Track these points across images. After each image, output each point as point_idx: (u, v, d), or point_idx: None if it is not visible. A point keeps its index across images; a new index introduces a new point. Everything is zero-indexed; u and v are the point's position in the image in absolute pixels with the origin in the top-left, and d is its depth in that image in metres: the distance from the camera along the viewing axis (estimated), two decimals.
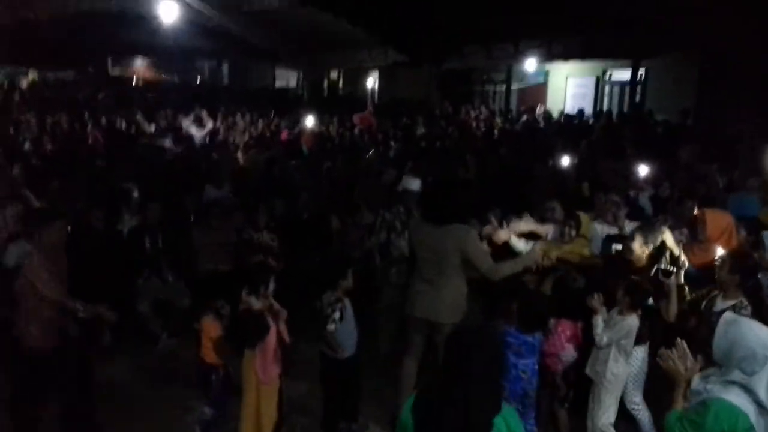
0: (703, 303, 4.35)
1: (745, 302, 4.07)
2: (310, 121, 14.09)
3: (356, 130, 14.21)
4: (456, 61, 15.75)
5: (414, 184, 6.21)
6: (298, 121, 15.15)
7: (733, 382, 2.86)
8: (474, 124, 15.61)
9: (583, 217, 5.41)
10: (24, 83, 24.48)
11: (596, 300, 4.48)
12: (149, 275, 6.53)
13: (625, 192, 6.99)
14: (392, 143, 12.49)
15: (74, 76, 27.45)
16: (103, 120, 13.70)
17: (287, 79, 28.42)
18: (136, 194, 7.13)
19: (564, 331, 4.66)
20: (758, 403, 2.83)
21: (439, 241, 4.65)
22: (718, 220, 4.87)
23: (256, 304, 4.51)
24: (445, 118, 16.27)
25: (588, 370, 4.61)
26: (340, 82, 27.70)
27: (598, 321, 4.47)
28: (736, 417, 2.80)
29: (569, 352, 4.67)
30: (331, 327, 4.67)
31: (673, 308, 4.52)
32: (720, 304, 4.19)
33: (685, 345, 3.11)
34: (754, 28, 10.23)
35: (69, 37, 20.37)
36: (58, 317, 4.45)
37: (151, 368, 6.06)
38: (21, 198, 6.38)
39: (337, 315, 4.67)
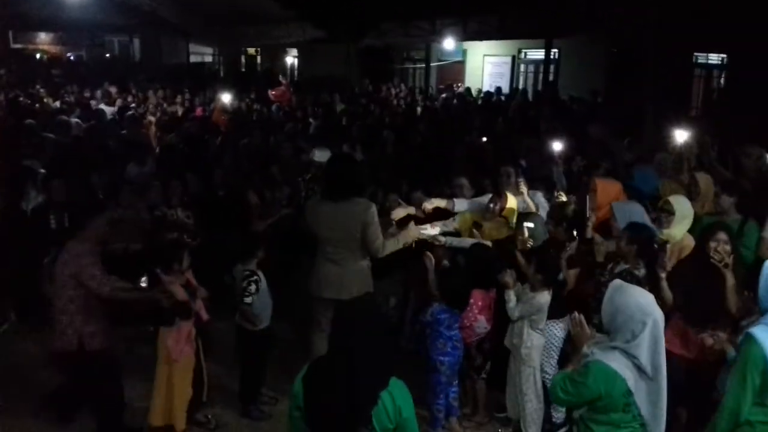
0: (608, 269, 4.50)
1: (640, 269, 4.24)
2: (225, 98, 13.83)
3: (273, 107, 14.06)
4: (374, 38, 15.81)
5: (323, 156, 6.26)
6: (213, 97, 14.86)
7: (615, 348, 3.03)
8: (395, 101, 15.79)
9: (511, 198, 5.54)
10: None
11: (508, 275, 4.62)
12: (55, 256, 6.29)
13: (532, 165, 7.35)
14: (311, 120, 12.49)
15: None
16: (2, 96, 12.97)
17: (203, 55, 27.67)
18: (41, 171, 6.86)
19: (476, 302, 4.82)
20: (639, 368, 2.98)
21: (343, 217, 4.57)
22: (607, 189, 5.16)
23: (172, 281, 4.48)
24: (365, 95, 16.35)
25: (506, 342, 4.78)
26: (258, 59, 27.25)
27: (510, 296, 4.61)
28: (614, 380, 2.97)
29: (482, 323, 4.84)
30: (247, 300, 4.72)
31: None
32: (617, 270, 4.36)
33: (581, 314, 3.28)
34: (655, 12, 10.82)
35: None
36: None
37: None
38: None
39: (252, 288, 4.73)
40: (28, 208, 6.54)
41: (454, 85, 19.15)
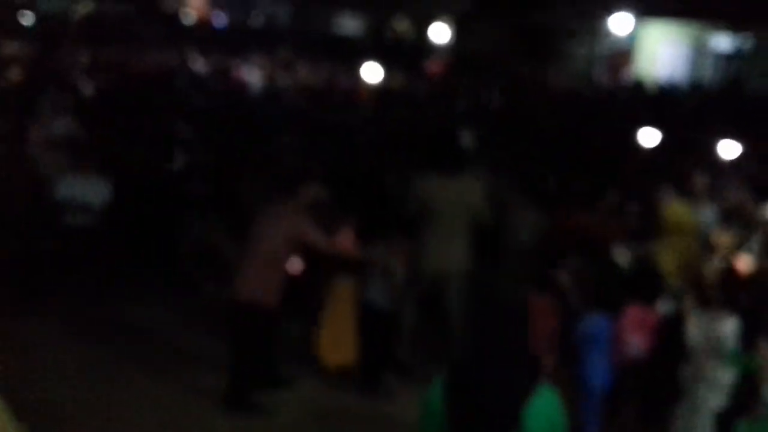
0: None
1: None
2: (372, 71, 13.58)
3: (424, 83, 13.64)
4: (538, 14, 14.90)
5: None
6: (359, 70, 14.71)
7: None
8: (555, 86, 14.85)
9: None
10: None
11: (688, 299, 4.21)
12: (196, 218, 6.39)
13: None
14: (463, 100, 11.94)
15: (125, 9, 27.44)
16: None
17: (350, 25, 27.82)
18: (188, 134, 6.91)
19: (631, 316, 4.35)
20: None
21: (456, 194, 4.56)
22: None
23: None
24: (523, 78, 15.52)
25: (678, 374, 4.21)
26: (408, 31, 27.00)
27: (691, 319, 4.14)
28: None
29: (634, 345, 4.34)
30: None
31: None
32: None
33: None
34: None
35: None
36: None
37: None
38: None
39: None
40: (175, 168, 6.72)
41: (624, 74, 17.76)
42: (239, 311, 4.54)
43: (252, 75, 13.39)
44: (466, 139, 5.63)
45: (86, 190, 5.82)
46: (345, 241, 4.99)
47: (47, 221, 5.87)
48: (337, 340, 5.02)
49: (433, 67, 14.63)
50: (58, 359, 4.89)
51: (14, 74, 10.40)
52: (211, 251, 6.32)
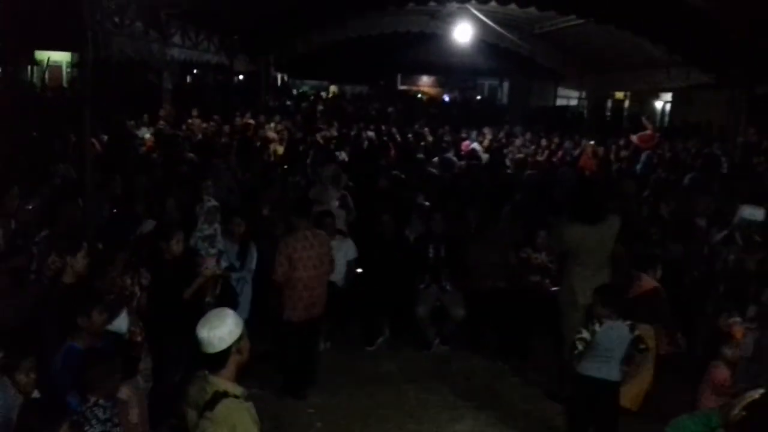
0: None
1: None
2: (590, 143, 13.71)
3: (643, 154, 13.35)
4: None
5: (758, 214, 6.42)
6: (578, 141, 14.87)
7: None
8: None
9: None
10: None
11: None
12: (429, 282, 6.92)
13: None
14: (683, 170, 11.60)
15: (367, 91, 30.43)
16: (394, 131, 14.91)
17: (568, 99, 27.99)
18: (425, 204, 7.65)
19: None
20: None
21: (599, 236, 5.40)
22: None
23: None
24: (750, 146, 14.56)
25: None
26: (626, 103, 26.44)
27: None
28: None
29: None
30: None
31: None
32: None
33: None
34: None
35: (366, 55, 22.76)
36: None
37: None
38: None
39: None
40: (411, 236, 7.33)
41: None
42: None
43: (477, 143, 14.26)
44: None
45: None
46: None
47: None
48: None
49: (643, 138, 14.31)
50: None
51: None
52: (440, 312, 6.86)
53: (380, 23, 17.80)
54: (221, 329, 2.85)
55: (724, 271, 6.16)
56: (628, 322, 4.55)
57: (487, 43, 18.88)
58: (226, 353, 2.86)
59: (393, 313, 6.98)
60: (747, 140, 15.21)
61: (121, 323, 4.37)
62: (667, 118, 23.38)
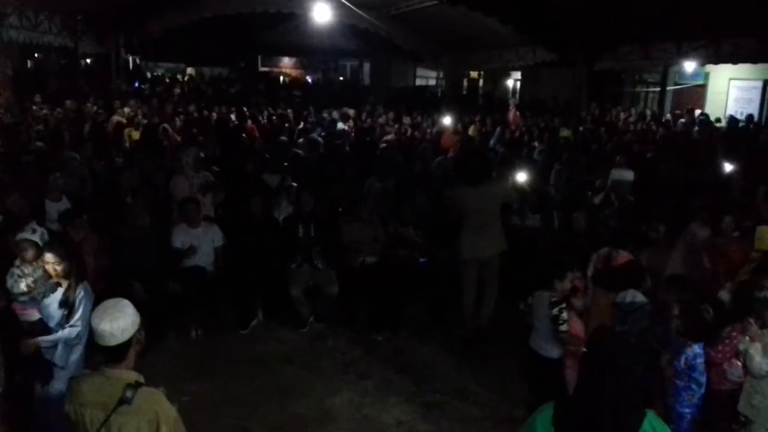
0: None
1: None
2: (448, 121, 14.19)
3: (497, 129, 14.04)
4: (609, 61, 15.18)
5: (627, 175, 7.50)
6: (436, 120, 15.34)
7: None
8: (624, 126, 15.04)
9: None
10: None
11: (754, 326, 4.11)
12: (301, 262, 6.89)
13: None
14: (535, 144, 12.34)
15: (227, 73, 29.54)
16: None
17: (426, 78, 28.80)
18: (293, 185, 7.58)
19: (737, 339, 4.26)
20: None
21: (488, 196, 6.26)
22: None
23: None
24: (592, 120, 15.77)
25: (741, 406, 4.20)
26: (480, 82, 27.62)
27: (757, 347, 4.04)
28: None
29: (737, 371, 4.32)
30: (563, 328, 4.64)
31: None
32: None
33: None
34: None
35: (224, 36, 22.03)
36: None
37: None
38: None
39: (564, 316, 4.64)
40: (280, 217, 7.24)
41: (693, 111, 17.71)
42: None
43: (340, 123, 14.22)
44: None
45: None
46: None
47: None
48: None
49: (516, 118, 15.15)
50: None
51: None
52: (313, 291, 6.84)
53: (237, 2, 17.32)
54: (123, 320, 2.76)
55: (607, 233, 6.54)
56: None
57: (346, 24, 18.90)
58: (127, 344, 2.78)
59: (266, 295, 6.89)
60: (590, 113, 16.42)
61: None
62: (518, 95, 24.71)
